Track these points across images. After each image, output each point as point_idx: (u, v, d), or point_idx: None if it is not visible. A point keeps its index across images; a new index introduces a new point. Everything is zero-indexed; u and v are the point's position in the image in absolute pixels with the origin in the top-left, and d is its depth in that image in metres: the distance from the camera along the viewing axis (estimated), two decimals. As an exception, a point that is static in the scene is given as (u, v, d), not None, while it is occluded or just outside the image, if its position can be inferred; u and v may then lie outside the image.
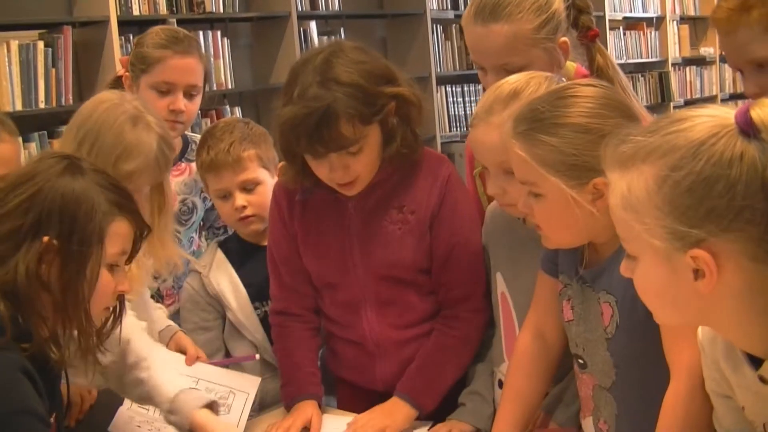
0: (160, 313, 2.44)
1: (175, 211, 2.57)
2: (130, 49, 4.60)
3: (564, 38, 2.16)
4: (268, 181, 2.47)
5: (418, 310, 2.19)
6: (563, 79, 2.01)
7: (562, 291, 1.87)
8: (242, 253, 2.51)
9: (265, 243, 2.38)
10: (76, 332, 1.69)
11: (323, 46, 2.07)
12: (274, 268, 2.29)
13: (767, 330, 1.27)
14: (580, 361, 1.84)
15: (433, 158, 2.19)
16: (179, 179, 2.64)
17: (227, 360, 2.43)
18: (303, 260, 2.22)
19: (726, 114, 1.24)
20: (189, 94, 2.66)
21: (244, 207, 2.45)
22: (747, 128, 1.20)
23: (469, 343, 2.17)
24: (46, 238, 1.61)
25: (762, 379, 1.31)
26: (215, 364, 2.33)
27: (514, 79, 1.96)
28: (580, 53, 2.24)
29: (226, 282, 2.47)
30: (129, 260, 1.77)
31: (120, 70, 2.75)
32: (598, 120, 1.67)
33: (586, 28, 2.20)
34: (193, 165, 2.65)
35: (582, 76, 2.18)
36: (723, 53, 2.03)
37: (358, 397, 2.29)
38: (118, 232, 1.70)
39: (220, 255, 2.52)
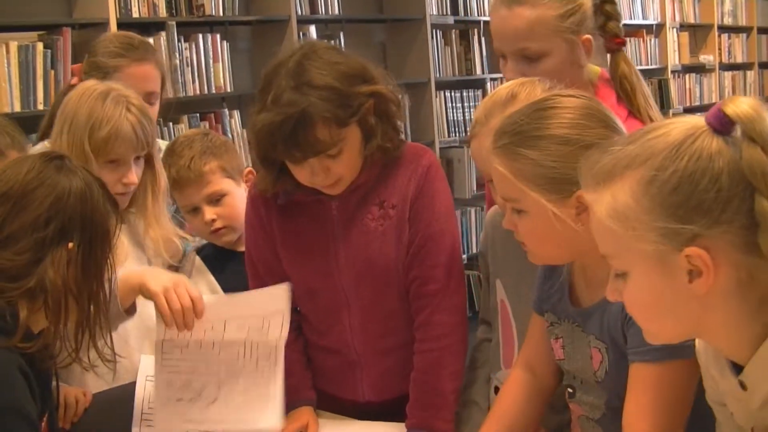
0: None
1: None
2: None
3: (588, 36, 2.15)
4: (235, 190, 2.46)
5: (401, 316, 2.15)
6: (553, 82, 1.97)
7: (548, 329, 1.86)
8: (219, 259, 2.50)
9: (241, 249, 2.36)
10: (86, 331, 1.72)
11: (295, 49, 2.02)
12: (253, 272, 2.24)
13: (751, 333, 1.28)
14: (570, 390, 1.84)
15: (413, 150, 2.14)
16: None
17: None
18: (283, 265, 2.18)
19: (697, 119, 1.28)
20: (147, 102, 2.56)
21: (214, 220, 2.45)
22: (720, 126, 1.25)
23: (454, 348, 2.10)
24: (71, 245, 1.64)
25: (742, 385, 1.32)
26: None
27: (508, 84, 1.96)
28: (606, 60, 2.22)
29: (206, 288, 2.46)
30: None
31: (73, 78, 2.67)
32: (578, 131, 1.64)
33: (613, 34, 2.19)
34: None
35: (606, 80, 2.21)
36: None
37: (334, 410, 2.26)
38: (112, 228, 1.75)
39: (198, 262, 2.52)
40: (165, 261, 2.38)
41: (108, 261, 1.72)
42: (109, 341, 1.77)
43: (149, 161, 2.30)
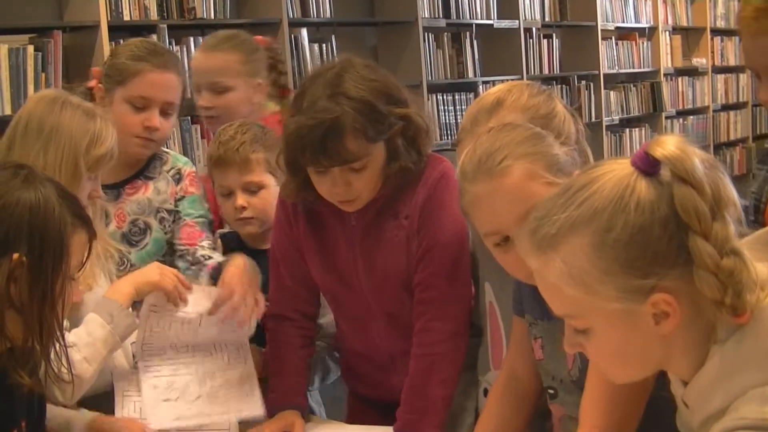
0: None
1: (125, 231, 2.50)
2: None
3: (260, 81, 3.01)
4: (273, 186, 2.46)
5: None
6: (543, 87, 2.06)
7: (528, 330, 1.87)
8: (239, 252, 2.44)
9: (263, 246, 2.40)
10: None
11: (334, 62, 2.08)
12: (275, 269, 2.29)
13: (698, 357, 1.30)
14: (551, 391, 1.85)
15: (429, 161, 2.16)
16: (133, 198, 2.54)
17: None
18: (309, 268, 2.24)
19: (622, 164, 1.30)
20: (165, 112, 2.51)
21: (244, 208, 2.46)
22: (649, 168, 1.26)
23: (448, 356, 2.11)
24: (15, 256, 1.56)
25: (684, 403, 1.35)
26: None
27: (495, 90, 2.01)
28: None
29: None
30: (80, 270, 1.74)
31: (92, 81, 2.58)
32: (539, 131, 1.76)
33: (282, 86, 3.13)
34: (150, 183, 2.56)
35: (273, 118, 2.91)
36: (744, 53, 1.89)
37: (370, 409, 2.33)
38: (78, 244, 1.67)
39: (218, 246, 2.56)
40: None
41: (65, 277, 1.63)
42: (65, 360, 1.70)
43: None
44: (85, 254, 1.70)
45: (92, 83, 2.56)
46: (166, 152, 2.63)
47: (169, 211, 2.53)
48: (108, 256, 2.29)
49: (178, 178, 2.57)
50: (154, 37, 4.73)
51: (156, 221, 2.53)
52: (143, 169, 2.57)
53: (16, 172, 1.64)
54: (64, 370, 1.72)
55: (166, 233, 2.52)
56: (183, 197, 2.55)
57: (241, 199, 2.46)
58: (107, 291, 2.11)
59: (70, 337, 1.96)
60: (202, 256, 2.44)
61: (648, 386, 1.55)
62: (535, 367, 1.88)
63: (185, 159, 2.67)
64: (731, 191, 1.27)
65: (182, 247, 2.50)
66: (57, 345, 1.66)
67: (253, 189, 2.46)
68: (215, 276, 2.27)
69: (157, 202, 2.53)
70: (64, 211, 1.63)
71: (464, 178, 1.75)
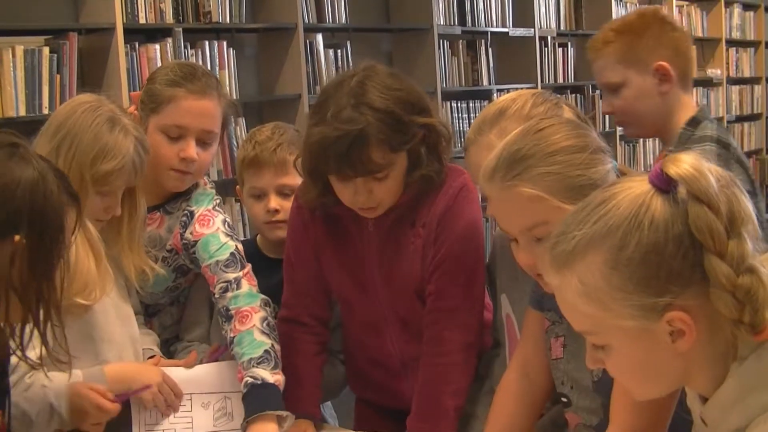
0: (149, 339, 2.34)
1: None
2: (135, 58, 4.61)
3: None
4: None
5: None
6: (552, 95, 2.08)
7: (549, 328, 1.86)
8: (254, 261, 2.35)
9: (276, 256, 2.36)
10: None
11: (357, 69, 2.06)
12: (290, 273, 2.28)
13: (717, 374, 1.30)
14: (564, 399, 1.84)
15: (449, 171, 2.15)
16: (148, 230, 2.37)
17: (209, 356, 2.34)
18: (324, 272, 2.23)
19: (639, 182, 1.29)
20: (203, 141, 2.33)
21: (277, 211, 2.41)
22: (664, 185, 1.26)
23: (460, 366, 2.11)
24: (17, 238, 1.53)
25: (702, 420, 1.34)
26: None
27: (501, 99, 2.03)
28: None
29: None
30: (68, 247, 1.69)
31: (130, 107, 2.41)
32: (582, 138, 1.69)
33: None
34: (166, 219, 2.39)
35: None
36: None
37: (378, 416, 2.33)
38: (71, 221, 1.63)
39: None
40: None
41: (62, 257, 1.60)
42: (64, 342, 1.66)
43: (131, 191, 2.19)
44: (75, 232, 1.66)
45: (131, 108, 2.39)
46: (197, 187, 2.44)
47: (169, 251, 2.39)
48: (138, 273, 2.23)
49: (186, 222, 2.36)
50: (170, 40, 4.74)
51: (160, 257, 2.38)
52: (167, 201, 2.41)
53: (11, 152, 1.59)
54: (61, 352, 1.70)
55: (170, 268, 2.40)
56: (195, 243, 2.33)
57: (274, 202, 2.42)
58: (110, 365, 2.09)
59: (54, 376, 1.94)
60: (222, 308, 2.25)
61: (675, 394, 1.54)
62: (548, 365, 1.87)
63: (208, 198, 2.42)
64: (748, 208, 1.27)
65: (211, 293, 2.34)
66: (54, 328, 1.63)
67: (286, 192, 2.41)
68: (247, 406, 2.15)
69: (165, 240, 2.39)
70: (60, 190, 1.60)
71: (483, 174, 1.74)
